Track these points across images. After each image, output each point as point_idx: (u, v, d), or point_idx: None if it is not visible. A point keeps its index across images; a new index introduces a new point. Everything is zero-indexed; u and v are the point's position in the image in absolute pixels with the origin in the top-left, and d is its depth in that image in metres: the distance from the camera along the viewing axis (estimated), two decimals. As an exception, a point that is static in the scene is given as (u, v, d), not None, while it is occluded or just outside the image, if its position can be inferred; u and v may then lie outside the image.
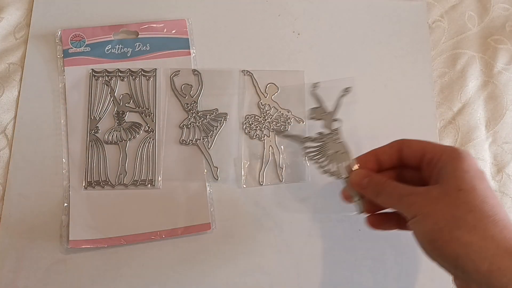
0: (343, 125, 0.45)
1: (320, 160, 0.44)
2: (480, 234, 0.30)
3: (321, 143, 0.44)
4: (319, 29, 0.56)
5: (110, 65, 0.53)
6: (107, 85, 0.52)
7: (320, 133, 0.45)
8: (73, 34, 0.53)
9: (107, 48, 0.53)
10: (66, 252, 0.47)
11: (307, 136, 0.45)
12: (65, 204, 0.49)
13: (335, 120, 0.45)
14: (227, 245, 0.49)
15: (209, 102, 0.53)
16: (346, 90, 0.47)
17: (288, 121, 0.52)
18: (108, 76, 0.53)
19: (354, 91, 0.48)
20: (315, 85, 0.47)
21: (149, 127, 0.51)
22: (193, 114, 0.52)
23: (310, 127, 0.52)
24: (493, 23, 0.58)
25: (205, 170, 0.50)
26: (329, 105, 0.46)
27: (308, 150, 0.44)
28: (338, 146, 0.44)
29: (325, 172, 0.43)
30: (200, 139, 0.51)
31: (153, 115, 0.52)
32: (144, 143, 0.51)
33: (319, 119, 0.45)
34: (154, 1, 0.56)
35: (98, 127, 0.51)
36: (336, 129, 0.44)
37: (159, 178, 0.50)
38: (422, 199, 0.33)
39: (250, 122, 0.52)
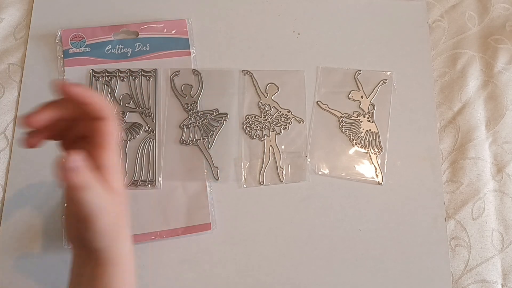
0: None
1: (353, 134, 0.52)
2: None
3: (355, 120, 0.52)
4: (319, 29, 0.56)
5: (110, 65, 0.53)
6: (107, 85, 0.52)
7: (356, 112, 0.52)
8: (73, 34, 0.53)
9: (107, 48, 0.53)
10: (66, 252, 0.47)
11: (345, 112, 0.52)
12: (65, 204, 0.48)
13: (371, 104, 0.53)
14: (227, 245, 0.49)
15: (209, 102, 0.53)
16: (384, 81, 0.54)
17: (288, 121, 0.52)
18: (108, 77, 0.53)
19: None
20: (358, 72, 0.54)
21: (149, 127, 0.51)
22: (193, 114, 0.52)
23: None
24: (493, 23, 0.58)
25: (205, 170, 0.50)
26: (366, 91, 0.53)
27: (344, 124, 0.52)
28: (371, 125, 0.52)
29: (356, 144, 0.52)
30: (200, 139, 0.51)
31: (153, 115, 0.52)
32: (144, 143, 0.51)
33: (357, 101, 0.53)
34: (154, 1, 0.56)
35: (98, 127, 0.51)
36: (371, 111, 0.53)
37: (159, 178, 0.50)
38: None
39: (250, 122, 0.52)
